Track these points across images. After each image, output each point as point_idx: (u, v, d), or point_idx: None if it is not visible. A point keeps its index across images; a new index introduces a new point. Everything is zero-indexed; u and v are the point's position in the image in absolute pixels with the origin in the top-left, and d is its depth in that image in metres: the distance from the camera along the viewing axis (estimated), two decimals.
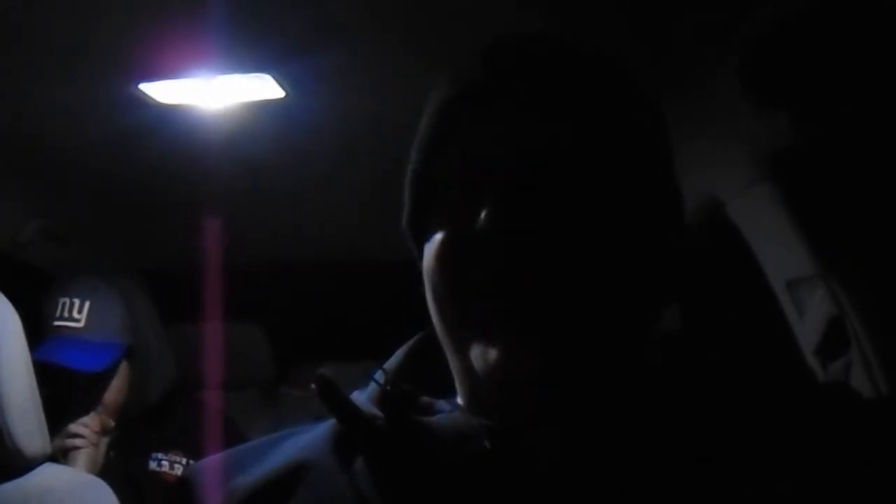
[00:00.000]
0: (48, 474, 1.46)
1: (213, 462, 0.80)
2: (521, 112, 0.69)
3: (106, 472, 1.89)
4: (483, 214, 0.65)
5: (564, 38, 0.73)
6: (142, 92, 1.56)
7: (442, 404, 0.74)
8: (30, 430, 1.42)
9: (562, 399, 0.67)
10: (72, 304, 1.97)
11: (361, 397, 0.75)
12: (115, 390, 1.99)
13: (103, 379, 1.97)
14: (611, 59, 0.73)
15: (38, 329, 1.93)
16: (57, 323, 1.96)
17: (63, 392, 1.91)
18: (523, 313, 0.65)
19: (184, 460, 1.99)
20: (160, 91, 1.56)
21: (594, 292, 0.65)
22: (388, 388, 0.74)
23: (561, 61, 0.71)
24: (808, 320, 1.45)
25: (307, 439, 0.77)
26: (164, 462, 1.99)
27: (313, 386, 0.71)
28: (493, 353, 0.66)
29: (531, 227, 0.64)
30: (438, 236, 0.70)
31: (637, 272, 0.68)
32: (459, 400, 0.75)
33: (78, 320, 1.96)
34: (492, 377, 0.66)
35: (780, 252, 1.46)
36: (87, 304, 1.97)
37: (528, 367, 0.65)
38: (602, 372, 0.67)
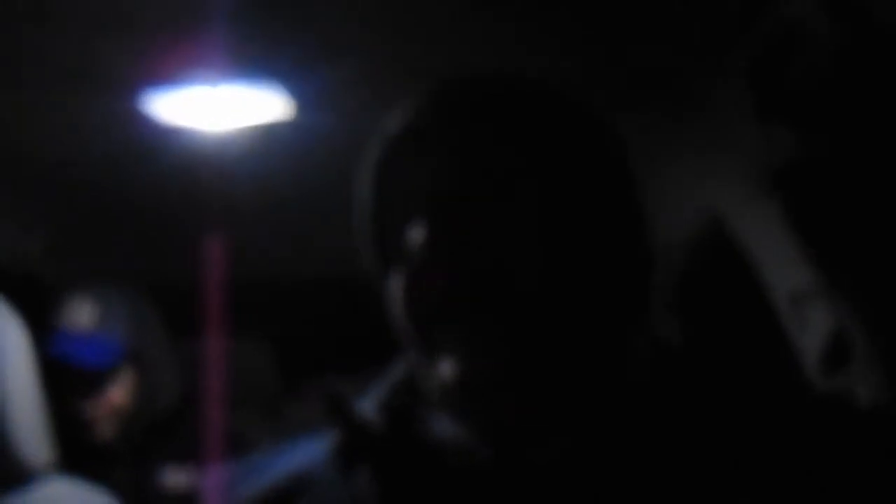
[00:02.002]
0: (53, 486, 1.47)
1: (217, 475, 0.80)
2: (464, 145, 0.70)
3: (114, 486, 1.89)
4: (424, 245, 0.67)
5: (518, 73, 0.75)
6: (147, 108, 1.56)
7: (443, 415, 0.75)
8: (35, 442, 1.42)
9: (521, 407, 0.67)
10: (80, 306, 2.01)
11: (364, 408, 0.76)
12: (120, 395, 2.00)
13: (106, 379, 1.99)
14: (558, 88, 0.75)
15: (45, 332, 1.94)
16: (65, 323, 1.99)
17: (64, 388, 1.93)
18: (473, 332, 0.66)
19: (192, 474, 2.00)
20: (166, 107, 1.57)
21: (534, 309, 0.66)
22: (391, 399, 0.75)
23: (505, 96, 0.73)
24: (809, 334, 1.45)
25: (309, 452, 0.78)
26: (172, 476, 2.00)
27: (318, 395, 0.72)
28: (448, 371, 0.67)
29: (468, 257, 0.66)
30: (394, 274, 0.72)
31: (584, 287, 0.68)
32: None
33: (85, 321, 1.99)
34: (453, 393, 0.68)
35: (781, 266, 1.46)
36: (94, 307, 2.01)
37: (479, 379, 0.66)
38: (557, 381, 0.67)
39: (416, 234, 0.69)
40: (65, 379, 1.91)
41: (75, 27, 1.30)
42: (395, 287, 0.72)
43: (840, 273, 1.36)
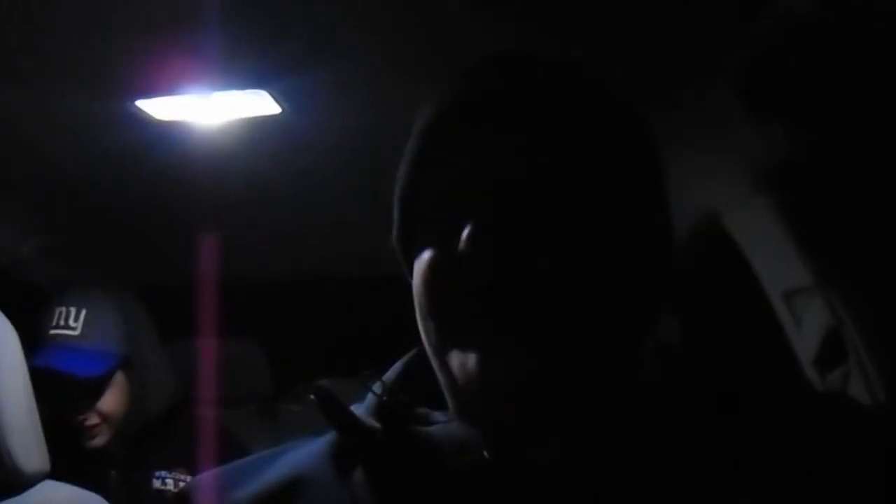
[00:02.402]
0: (47, 492, 1.46)
1: (211, 477, 0.80)
2: (507, 133, 0.69)
3: (109, 490, 1.88)
4: (464, 236, 0.65)
5: (557, 55, 0.74)
6: (139, 109, 1.56)
7: (439, 415, 0.74)
8: (28, 448, 1.42)
9: (542, 410, 0.67)
10: (68, 313, 1.98)
11: (360, 409, 0.76)
12: (113, 401, 1.99)
13: (99, 386, 1.97)
14: (601, 76, 0.74)
15: (34, 340, 1.93)
16: (53, 331, 1.97)
17: (58, 398, 1.92)
18: (501, 329, 0.65)
19: (188, 478, 1.99)
20: (157, 108, 1.57)
21: (573, 310, 0.65)
22: (386, 399, 0.74)
23: (551, 81, 0.71)
24: (805, 331, 1.45)
25: (305, 453, 0.78)
26: (167, 480, 1.99)
27: (312, 397, 0.71)
28: (471, 365, 0.66)
29: (510, 250, 0.65)
30: (425, 256, 0.71)
31: (621, 289, 0.68)
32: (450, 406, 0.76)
33: (74, 328, 1.97)
34: (470, 388, 0.67)
35: (777, 263, 1.46)
36: (83, 313, 1.98)
37: (503, 377, 0.65)
38: (585, 384, 0.67)
39: (454, 224, 0.67)
40: (57, 387, 1.90)
41: (72, 28, 1.29)
42: (423, 274, 0.70)
43: (836, 271, 1.37)
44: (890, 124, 1.20)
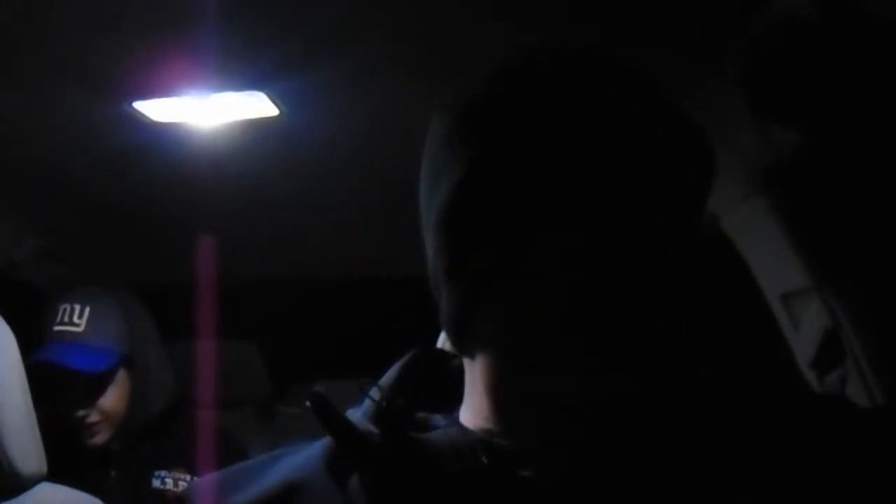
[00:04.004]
0: (44, 494, 1.46)
1: (208, 481, 0.80)
2: (596, 154, 0.68)
3: (108, 490, 1.88)
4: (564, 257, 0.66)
5: (592, 51, 0.74)
6: (136, 110, 1.56)
7: (437, 419, 0.74)
8: (26, 450, 1.41)
9: (617, 426, 0.68)
10: (72, 310, 2.00)
11: (356, 414, 0.75)
12: (114, 399, 2.00)
13: (101, 383, 1.98)
14: (637, 75, 0.74)
15: (37, 337, 1.95)
16: (57, 328, 1.99)
17: (60, 393, 1.93)
18: (592, 347, 0.66)
19: (187, 478, 1.99)
20: (155, 109, 1.57)
21: (662, 332, 0.68)
22: (384, 404, 0.74)
23: (601, 81, 0.72)
24: (803, 333, 1.45)
25: (301, 459, 0.77)
26: (167, 480, 2.00)
27: (308, 403, 0.71)
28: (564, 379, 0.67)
29: (608, 273, 0.66)
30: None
31: (694, 310, 0.71)
32: (463, 413, 0.75)
33: (78, 325, 1.98)
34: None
35: (775, 265, 1.46)
36: (87, 310, 2.00)
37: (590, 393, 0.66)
38: (656, 398, 0.69)
39: (546, 242, 0.67)
40: (60, 382, 1.91)
41: (70, 29, 1.29)
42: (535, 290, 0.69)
43: (834, 272, 1.36)
44: (888, 125, 1.20)
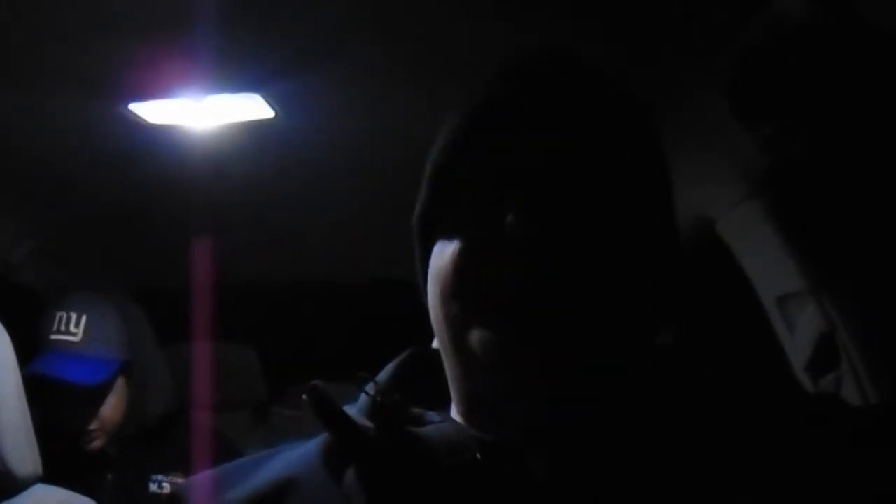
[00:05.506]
0: (39, 495, 1.46)
1: (203, 478, 0.80)
2: (551, 131, 0.70)
3: (105, 494, 1.87)
4: (510, 219, 0.67)
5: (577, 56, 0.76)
6: (133, 112, 1.56)
7: (432, 415, 0.74)
8: (21, 452, 1.41)
9: (559, 409, 0.67)
10: (69, 318, 1.95)
11: (353, 410, 0.76)
12: (112, 407, 1.98)
13: (100, 393, 1.95)
14: (621, 84, 0.76)
15: (33, 344, 1.92)
16: (54, 337, 1.94)
17: (59, 406, 1.90)
18: (538, 314, 0.66)
19: (182, 480, 1.98)
20: (151, 111, 1.57)
21: (608, 303, 0.67)
22: (379, 399, 0.74)
23: (590, 84, 0.74)
24: (798, 336, 1.45)
25: (297, 455, 0.77)
26: (164, 484, 1.98)
27: (305, 397, 0.71)
28: (497, 340, 0.67)
29: (555, 235, 0.67)
30: (456, 235, 0.71)
31: (644, 286, 0.70)
32: (454, 410, 0.76)
33: (75, 334, 1.94)
34: (493, 365, 0.67)
35: (770, 268, 1.46)
36: (83, 319, 1.96)
37: (537, 352, 0.66)
38: (605, 384, 0.68)
39: (495, 207, 0.68)
40: (58, 395, 1.88)
41: (66, 31, 1.29)
42: (460, 250, 0.71)
43: (828, 275, 1.37)
44: (884, 128, 1.21)
